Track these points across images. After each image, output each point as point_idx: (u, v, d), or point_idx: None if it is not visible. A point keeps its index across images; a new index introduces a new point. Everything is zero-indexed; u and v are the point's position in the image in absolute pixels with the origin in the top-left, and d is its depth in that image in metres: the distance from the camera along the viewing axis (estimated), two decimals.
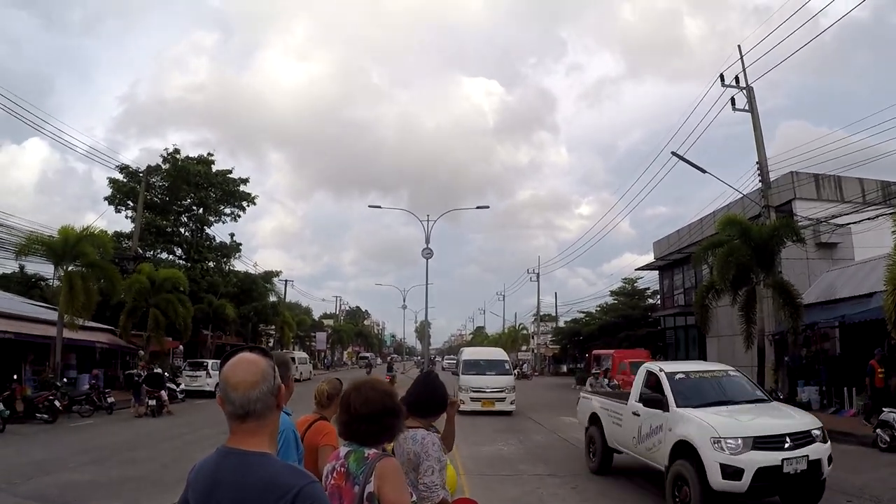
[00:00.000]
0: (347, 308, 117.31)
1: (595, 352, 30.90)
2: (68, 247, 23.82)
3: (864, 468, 11.22)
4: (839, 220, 21.50)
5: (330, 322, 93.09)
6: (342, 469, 2.70)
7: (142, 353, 29.40)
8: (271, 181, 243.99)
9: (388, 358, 56.68)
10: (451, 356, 60.14)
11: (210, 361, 31.50)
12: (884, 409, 13.47)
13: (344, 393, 3.00)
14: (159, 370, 24.44)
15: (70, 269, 24.07)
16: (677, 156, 21.83)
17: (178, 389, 27.02)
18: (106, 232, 31.22)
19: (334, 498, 2.62)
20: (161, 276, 30.57)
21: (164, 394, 21.78)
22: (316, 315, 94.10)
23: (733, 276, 19.77)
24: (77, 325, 24.08)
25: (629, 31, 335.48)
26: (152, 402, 21.10)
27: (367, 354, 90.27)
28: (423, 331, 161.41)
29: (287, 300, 74.36)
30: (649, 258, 38.83)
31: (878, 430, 13.01)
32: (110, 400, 21.84)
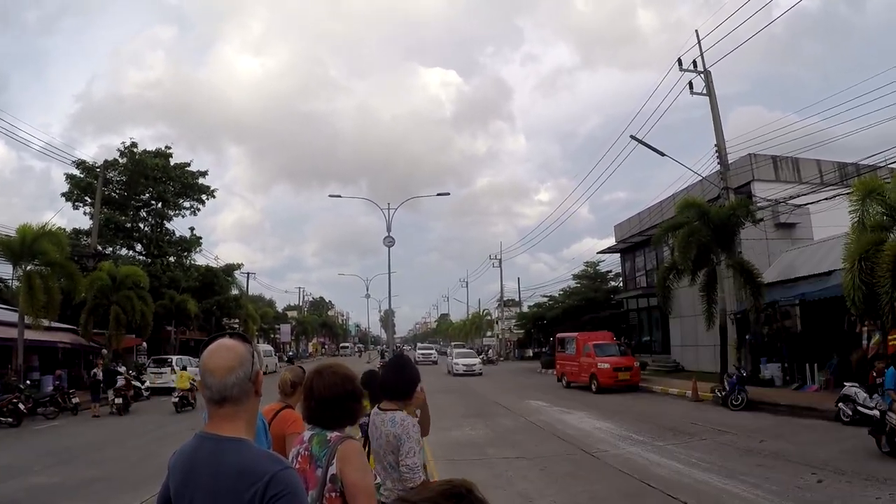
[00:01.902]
0: (311, 299, 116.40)
1: (559, 334, 31.15)
2: (26, 246, 23.24)
3: (826, 442, 11.55)
4: (797, 201, 22.01)
5: (294, 314, 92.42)
6: (306, 453, 2.73)
7: (104, 351, 28.82)
8: (230, 175, 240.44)
9: (383, 349, 57.09)
10: (427, 347, 64.00)
11: (174, 358, 31.05)
12: (845, 383, 13.86)
13: (307, 378, 3.00)
14: (120, 368, 24.12)
15: (29, 268, 23.46)
16: (636, 139, 22.07)
17: (143, 387, 26.59)
18: (63, 230, 30.58)
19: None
20: (122, 273, 29.99)
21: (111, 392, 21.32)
22: (279, 307, 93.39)
23: (694, 256, 20.14)
24: (42, 325, 23.58)
25: (584, 21, 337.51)
26: (119, 401, 20.72)
27: (381, 346, 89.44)
28: (387, 319, 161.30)
29: (250, 293, 73.81)
30: (610, 242, 39.27)
31: (840, 404, 13.40)
32: (75, 400, 21.38)
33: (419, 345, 61.43)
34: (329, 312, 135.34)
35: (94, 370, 22.56)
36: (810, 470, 9.28)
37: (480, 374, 38.13)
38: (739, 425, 14.21)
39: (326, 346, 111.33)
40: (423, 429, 4.09)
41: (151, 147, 42.03)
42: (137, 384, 26.11)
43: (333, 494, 2.58)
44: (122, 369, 26.56)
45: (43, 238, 23.85)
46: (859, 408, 12.83)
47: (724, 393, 17.53)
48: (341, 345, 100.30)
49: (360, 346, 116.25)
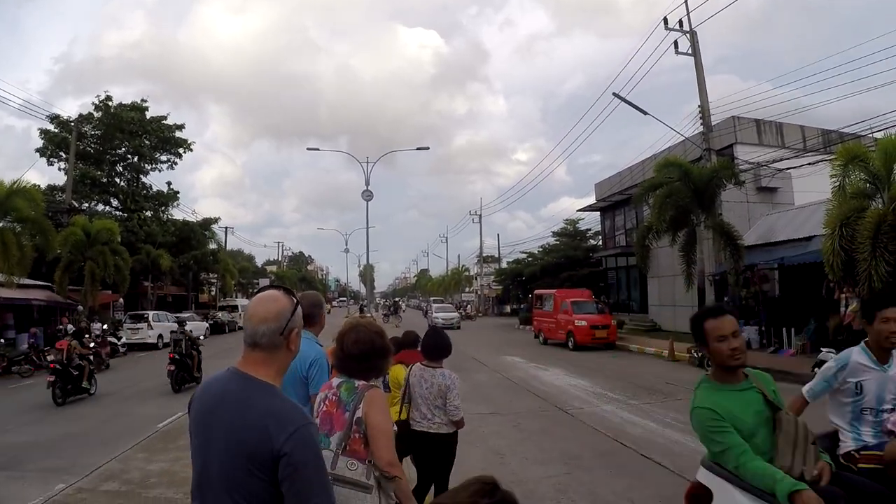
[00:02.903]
0: (290, 254, 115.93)
1: (537, 291, 31.25)
2: None
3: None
4: (779, 165, 22.01)
5: (273, 269, 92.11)
6: (334, 398, 3.03)
7: (80, 308, 28.49)
8: (211, 132, 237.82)
9: (360, 303, 56.96)
10: (447, 307, 49.92)
11: (150, 313, 30.84)
12: (822, 349, 13.99)
13: (340, 332, 3.28)
14: (95, 324, 24.12)
15: (1, 225, 22.94)
16: (618, 97, 21.81)
17: (119, 343, 26.41)
18: (39, 186, 29.90)
19: (325, 422, 2.98)
20: (95, 229, 29.48)
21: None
22: (259, 262, 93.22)
23: (673, 217, 20.12)
24: (14, 283, 23.17)
25: None
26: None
27: (397, 299, 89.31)
28: (366, 274, 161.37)
29: (229, 249, 73.38)
30: (589, 202, 39.15)
31: (816, 370, 13.50)
32: (50, 358, 21.15)
33: (436, 304, 51.82)
34: (308, 267, 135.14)
35: (60, 326, 22.30)
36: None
37: (459, 327, 40.14)
38: None
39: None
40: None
41: (128, 101, 41.23)
42: (114, 340, 25.96)
43: (357, 436, 2.90)
44: (98, 325, 26.51)
45: (16, 195, 23.31)
46: None
47: (700, 353, 17.66)
48: (339, 299, 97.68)
49: (352, 301, 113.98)
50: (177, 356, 16.17)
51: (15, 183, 24.06)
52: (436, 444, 5.00)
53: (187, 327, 32.44)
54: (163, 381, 16.17)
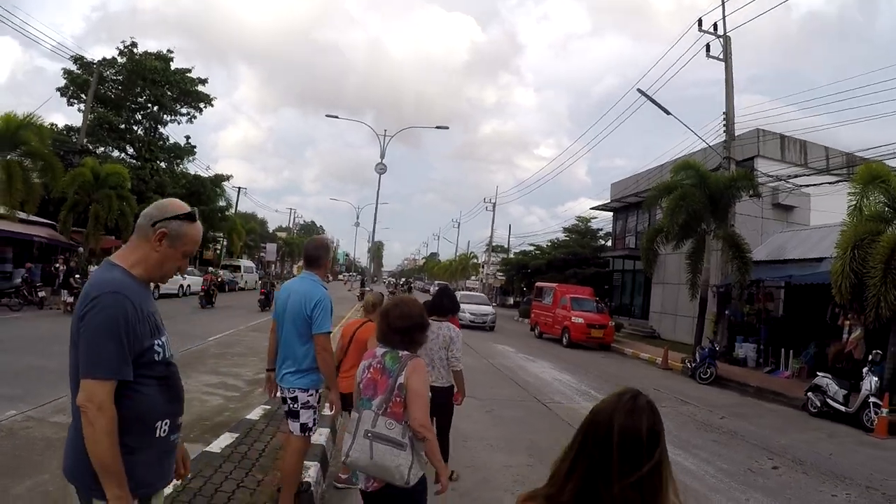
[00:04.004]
0: (302, 222, 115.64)
1: (538, 283, 30.94)
2: (9, 134, 22.57)
3: (789, 429, 11.21)
4: (798, 182, 21.44)
5: (283, 235, 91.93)
6: (378, 365, 3.32)
7: (80, 249, 28.35)
8: (238, 94, 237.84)
9: (362, 279, 56.84)
10: (479, 299, 40.54)
11: None
12: (818, 373, 13.53)
13: (384, 308, 3.54)
14: (90, 267, 23.98)
15: (9, 157, 22.76)
16: (643, 93, 21.23)
17: None
18: (55, 124, 29.55)
19: (370, 387, 3.28)
20: (105, 172, 29.26)
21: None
22: (271, 228, 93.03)
23: (684, 221, 19.60)
24: (17, 217, 23.05)
25: None
26: (70, 299, 20.21)
27: (409, 279, 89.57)
28: (375, 251, 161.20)
29: (243, 210, 73.37)
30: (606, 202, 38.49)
31: (810, 394, 13.05)
32: (41, 294, 20.99)
33: (464, 292, 39.93)
34: None
35: (56, 265, 22.13)
36: (767, 454, 8.96)
37: (492, 328, 28.55)
38: (703, 398, 13.93)
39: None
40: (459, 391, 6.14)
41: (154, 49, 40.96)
42: None
43: (398, 399, 3.17)
44: (94, 269, 26.25)
45: (26, 128, 23.17)
46: (828, 400, 12.52)
47: (693, 365, 17.26)
48: (349, 274, 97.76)
49: (355, 275, 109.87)
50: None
51: (28, 116, 23.87)
52: (436, 395, 5.10)
53: (185, 281, 32.86)
54: None
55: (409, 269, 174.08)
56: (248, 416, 8.09)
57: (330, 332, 4.58)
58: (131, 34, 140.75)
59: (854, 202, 14.21)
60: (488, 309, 29.61)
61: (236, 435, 6.96)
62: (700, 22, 21.32)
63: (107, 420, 2.06)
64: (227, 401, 9.72)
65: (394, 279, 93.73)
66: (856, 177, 14.47)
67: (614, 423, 1.55)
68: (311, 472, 5.72)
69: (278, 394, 4.84)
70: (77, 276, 21.86)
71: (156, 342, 2.27)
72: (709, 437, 9.94)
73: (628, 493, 1.48)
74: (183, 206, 2.38)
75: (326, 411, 6.63)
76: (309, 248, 4.90)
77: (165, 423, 2.29)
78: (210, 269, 42.18)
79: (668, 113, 20.37)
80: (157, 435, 2.26)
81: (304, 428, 4.64)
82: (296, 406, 4.60)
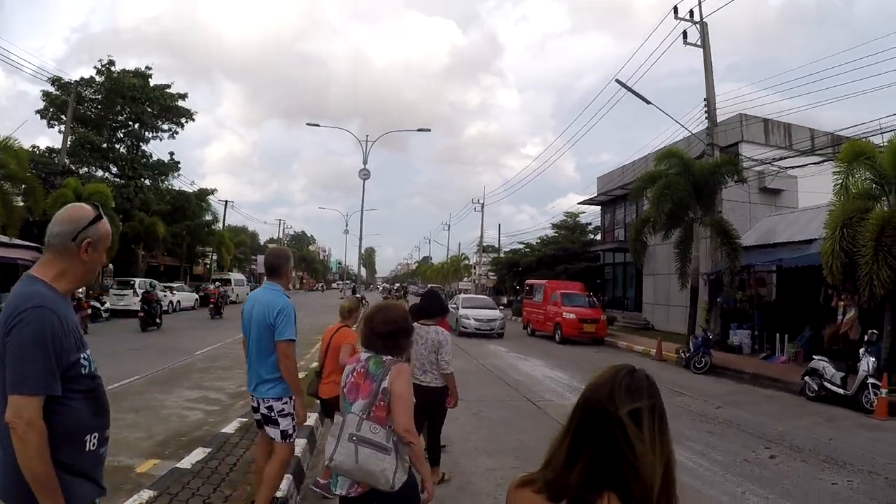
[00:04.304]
0: (292, 233, 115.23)
1: (528, 281, 30.69)
2: None
3: (787, 416, 10.94)
4: (784, 164, 21.22)
5: (273, 246, 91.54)
6: (362, 370, 3.30)
7: None
8: (223, 110, 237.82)
9: (353, 286, 56.57)
10: (484, 302, 33.83)
11: (137, 280, 30.28)
12: (814, 356, 13.24)
13: (368, 313, 3.53)
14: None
15: None
16: (621, 84, 21.01)
17: (102, 308, 25.89)
18: (36, 146, 29.26)
19: (353, 391, 3.26)
20: (87, 192, 28.90)
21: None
22: (262, 240, 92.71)
23: (670, 210, 19.33)
24: None
25: None
26: None
27: (404, 283, 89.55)
28: (367, 258, 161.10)
29: (233, 224, 73.02)
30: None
31: (807, 378, 12.77)
32: None
33: (465, 294, 37.35)
34: (310, 247, 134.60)
35: None
36: (764, 443, 8.68)
37: (501, 335, 24.74)
38: (698, 388, 13.67)
39: (305, 281, 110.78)
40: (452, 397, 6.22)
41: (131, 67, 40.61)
42: (96, 305, 25.48)
43: (382, 403, 3.15)
44: (82, 289, 26.03)
45: (4, 151, 22.90)
46: (826, 383, 12.24)
47: (687, 354, 17.01)
48: (344, 282, 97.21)
49: (348, 283, 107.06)
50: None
51: (4, 140, 23.58)
52: (428, 395, 5.66)
53: (175, 297, 32.52)
54: (131, 346, 16.88)
55: (402, 273, 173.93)
56: (223, 430, 7.87)
57: (293, 340, 4.57)
58: (113, 54, 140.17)
59: (840, 181, 13.98)
60: (495, 313, 25.77)
61: (209, 450, 6.80)
62: (676, 10, 21.04)
63: (37, 435, 2.04)
64: (206, 415, 9.50)
65: (387, 285, 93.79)
66: (840, 155, 14.24)
67: (616, 402, 1.47)
68: (284, 485, 5.49)
69: (256, 404, 4.79)
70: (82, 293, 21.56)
71: (81, 356, 2.24)
72: (703, 428, 9.65)
73: (643, 469, 1.42)
74: (87, 209, 2.35)
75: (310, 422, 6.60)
76: (269, 259, 4.96)
77: (94, 437, 2.27)
78: (216, 282, 41.92)
79: (647, 102, 20.14)
80: (87, 449, 2.24)
81: (285, 435, 4.66)
82: (272, 414, 4.63)
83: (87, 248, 2.29)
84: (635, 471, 1.42)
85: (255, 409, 4.76)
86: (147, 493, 5.29)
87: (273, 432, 4.65)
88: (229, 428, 7.94)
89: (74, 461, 2.19)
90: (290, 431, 4.70)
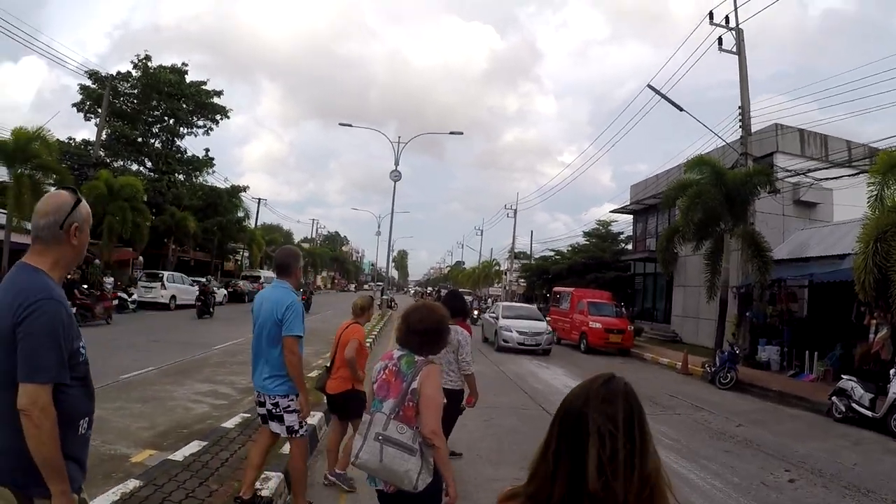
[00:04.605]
0: (326, 233, 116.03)
1: (556, 288, 30.33)
2: (19, 148, 22.69)
3: (810, 437, 10.47)
4: (818, 175, 20.62)
5: (307, 246, 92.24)
6: (394, 368, 3.31)
7: (97, 262, 28.39)
8: (262, 109, 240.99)
9: (382, 287, 56.35)
10: (529, 312, 25.24)
11: (166, 273, 30.58)
12: (843, 376, 12.70)
13: (407, 310, 3.57)
14: (107, 279, 25.11)
15: (20, 171, 22.88)
16: (653, 89, 20.61)
17: (129, 299, 26.18)
18: (72, 138, 29.82)
19: (382, 389, 3.27)
20: (119, 184, 29.35)
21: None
22: (297, 239, 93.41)
23: (701, 220, 18.86)
24: (23, 227, 23.17)
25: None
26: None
27: (439, 286, 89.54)
28: (400, 261, 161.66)
29: (269, 223, 73.82)
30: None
31: (834, 398, 12.25)
32: None
33: (505, 302, 31.67)
34: (343, 248, 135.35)
35: (69, 275, 22.05)
36: (784, 465, 8.24)
37: (548, 352, 21.12)
38: (720, 405, 13.21)
39: (337, 281, 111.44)
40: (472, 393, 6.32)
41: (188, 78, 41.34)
42: (124, 296, 25.80)
43: (410, 404, 3.15)
44: (110, 280, 26.50)
45: (36, 141, 23.32)
46: (854, 405, 11.70)
47: (713, 369, 16.55)
48: (370, 284, 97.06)
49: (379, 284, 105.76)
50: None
51: (37, 130, 24.00)
52: (445, 396, 5.42)
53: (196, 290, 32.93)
54: (152, 337, 17.07)
55: (434, 277, 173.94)
56: (222, 425, 7.80)
57: (300, 336, 4.64)
58: (154, 51, 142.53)
59: (874, 192, 13.45)
60: (542, 325, 21.93)
61: (205, 443, 6.76)
62: (711, 15, 20.56)
63: (50, 421, 2.14)
64: (213, 409, 9.48)
65: (419, 288, 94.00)
66: (875, 165, 13.71)
67: (589, 413, 1.43)
68: (271, 483, 5.43)
69: (262, 399, 4.89)
70: (85, 286, 21.80)
71: (80, 344, 2.35)
72: (721, 446, 9.27)
73: (612, 485, 1.37)
74: (66, 195, 2.41)
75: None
76: (279, 258, 5.05)
77: (85, 421, 2.38)
78: (245, 278, 42.27)
79: (680, 109, 19.74)
80: (79, 433, 2.34)
81: (291, 430, 4.74)
82: (278, 411, 4.70)
83: (76, 233, 2.36)
84: (606, 483, 1.37)
85: (261, 405, 4.86)
86: (133, 483, 5.25)
87: (279, 428, 4.74)
88: (230, 423, 7.87)
89: (68, 445, 2.24)
90: (297, 427, 4.76)
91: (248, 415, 8.36)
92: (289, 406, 4.69)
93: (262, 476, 5.52)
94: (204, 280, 31.08)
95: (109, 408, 8.49)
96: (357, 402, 5.93)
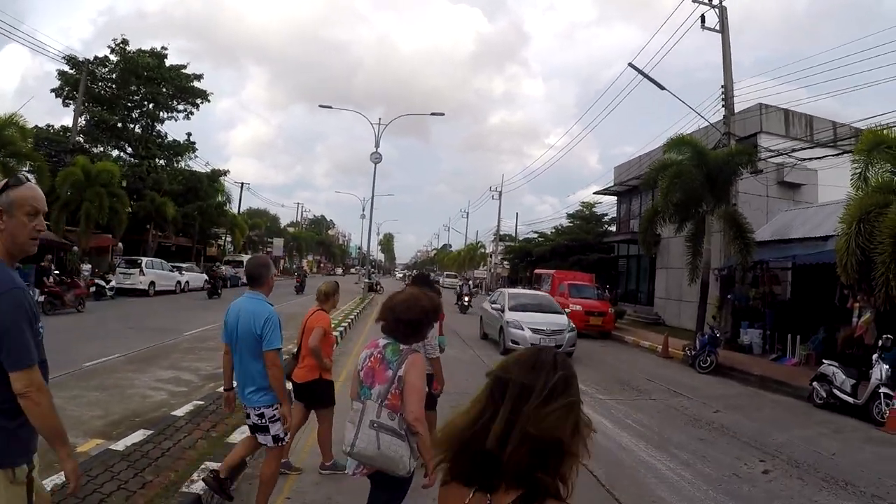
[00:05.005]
0: (311, 217, 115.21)
1: (536, 270, 30.08)
2: None
3: (790, 424, 10.17)
4: (801, 155, 20.31)
5: (291, 230, 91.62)
6: (379, 355, 3.40)
7: (75, 248, 27.89)
8: (247, 93, 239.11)
9: (369, 270, 55.83)
10: (548, 305, 19.16)
11: (144, 259, 30.10)
12: (824, 361, 12.37)
13: (391, 298, 3.67)
14: (85, 266, 25.31)
15: None
16: (634, 68, 20.14)
17: (107, 286, 25.67)
18: (51, 126, 29.09)
19: (369, 376, 3.38)
20: (96, 170, 28.77)
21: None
22: (283, 223, 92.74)
23: (682, 201, 18.52)
24: None
25: None
26: (41, 298, 19.40)
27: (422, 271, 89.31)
28: (386, 244, 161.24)
29: (255, 207, 73.16)
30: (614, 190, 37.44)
31: (815, 384, 11.94)
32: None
33: (511, 289, 22.92)
34: (329, 232, 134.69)
35: (43, 263, 21.70)
36: (760, 455, 7.92)
37: (571, 353, 15.85)
38: (699, 389, 12.93)
39: (322, 265, 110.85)
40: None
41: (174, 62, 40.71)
42: (101, 283, 25.33)
43: (396, 391, 3.26)
44: (88, 267, 26.08)
45: (9, 128, 22.78)
46: (835, 391, 11.38)
47: (693, 352, 16.29)
48: (359, 268, 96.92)
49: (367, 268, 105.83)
50: None
51: (10, 116, 23.45)
52: None
53: (184, 277, 32.52)
54: (128, 324, 16.95)
55: (422, 260, 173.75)
56: (172, 413, 7.57)
57: (280, 349, 4.60)
58: (139, 37, 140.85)
59: (859, 170, 13.12)
60: (561, 320, 17.16)
61: (150, 433, 6.57)
62: None
63: (48, 397, 2.39)
64: (170, 396, 9.23)
65: (406, 271, 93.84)
66: (859, 144, 13.37)
67: (511, 376, 1.55)
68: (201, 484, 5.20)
69: (248, 412, 4.85)
70: (56, 272, 21.33)
71: (40, 325, 2.49)
72: (695, 434, 8.94)
73: (521, 447, 1.46)
74: None
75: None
76: (250, 268, 4.96)
77: None
78: (227, 264, 41.88)
79: (661, 87, 19.36)
80: None
81: (277, 439, 4.75)
82: (264, 422, 4.69)
83: (1, 216, 2.40)
84: (503, 439, 1.48)
85: (248, 416, 4.83)
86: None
87: (265, 439, 4.73)
88: (180, 411, 7.64)
89: (23, 419, 2.38)
90: (282, 435, 4.77)
91: (202, 402, 8.13)
92: (274, 416, 4.67)
93: (201, 466, 5.48)
94: (213, 265, 34.15)
95: (65, 396, 8.22)
96: (324, 392, 6.02)
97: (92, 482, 4.97)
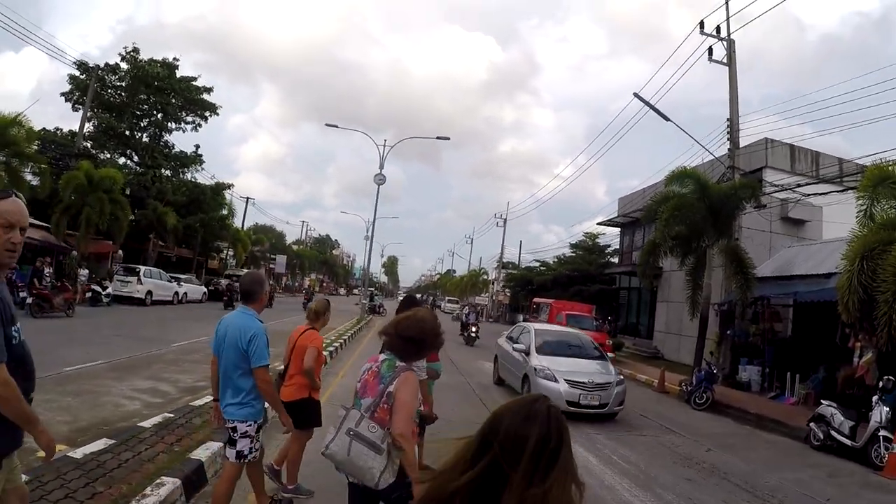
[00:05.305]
0: (316, 235, 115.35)
1: (535, 299, 29.82)
2: None
3: (784, 466, 9.79)
4: (805, 191, 20.09)
5: (296, 247, 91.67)
6: (376, 370, 3.49)
7: (74, 253, 27.81)
8: (260, 110, 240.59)
9: (372, 292, 55.48)
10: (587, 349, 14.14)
11: (143, 268, 29.94)
12: (822, 401, 12.03)
13: (396, 317, 3.77)
14: (83, 271, 25.44)
15: None
16: (640, 98, 20.10)
17: (103, 293, 25.48)
18: (59, 129, 29.40)
19: (364, 389, 3.46)
20: (98, 175, 28.74)
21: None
22: (289, 240, 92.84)
23: (683, 234, 18.32)
24: None
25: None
26: (29, 300, 19.20)
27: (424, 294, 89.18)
28: (390, 267, 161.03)
29: (262, 224, 73.33)
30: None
31: (812, 424, 11.59)
32: (22, 295, 20.20)
33: (537, 325, 16.87)
34: (334, 251, 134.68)
35: (38, 265, 21.54)
36: (749, 498, 7.59)
37: (615, 415, 12.25)
38: (692, 427, 12.56)
39: (325, 284, 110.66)
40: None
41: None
42: (97, 289, 25.16)
43: (385, 406, 3.33)
44: (85, 272, 25.96)
45: (14, 128, 22.89)
46: (833, 432, 11.04)
47: (689, 388, 15.93)
48: (362, 289, 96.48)
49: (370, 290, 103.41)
50: None
51: (15, 116, 23.52)
52: None
53: (182, 288, 32.36)
54: (117, 332, 16.74)
55: (425, 285, 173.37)
56: (139, 424, 7.32)
57: (267, 365, 4.60)
58: (156, 47, 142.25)
59: (864, 207, 12.86)
60: (607, 370, 12.91)
61: (112, 442, 6.33)
62: (702, 24, 20.09)
63: (13, 388, 2.49)
64: (144, 406, 8.96)
65: (407, 295, 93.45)
66: (864, 179, 13.12)
67: (503, 425, 1.51)
68: (163, 490, 5.01)
69: (226, 424, 4.84)
70: (48, 275, 21.18)
71: (13, 328, 2.58)
72: (684, 473, 8.58)
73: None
74: None
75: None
76: (244, 284, 4.99)
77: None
78: (229, 277, 41.74)
79: (666, 119, 19.25)
80: None
81: (240, 455, 4.70)
82: (235, 436, 4.68)
83: None
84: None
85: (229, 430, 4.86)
86: None
87: (229, 452, 4.72)
88: (147, 422, 7.35)
89: (4, 417, 2.55)
90: (246, 452, 4.71)
91: (172, 415, 7.82)
92: (246, 431, 4.67)
93: (157, 481, 5.20)
94: (230, 279, 35.34)
95: (38, 399, 7.78)
96: (311, 412, 5.92)
97: (41, 488, 4.81)
